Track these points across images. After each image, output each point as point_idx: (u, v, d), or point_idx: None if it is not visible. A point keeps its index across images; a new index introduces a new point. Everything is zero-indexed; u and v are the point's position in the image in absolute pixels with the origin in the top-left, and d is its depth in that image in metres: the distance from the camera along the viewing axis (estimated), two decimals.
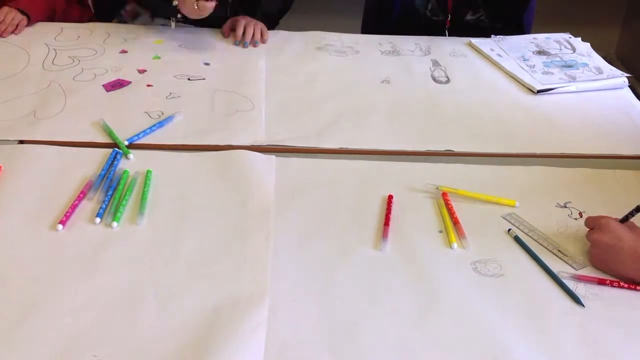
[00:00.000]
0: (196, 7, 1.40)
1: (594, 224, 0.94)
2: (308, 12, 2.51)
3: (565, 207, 1.06)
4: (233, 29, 1.58)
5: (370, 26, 1.85)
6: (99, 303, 0.83)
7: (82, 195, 1.01)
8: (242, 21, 1.56)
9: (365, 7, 1.89)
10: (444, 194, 1.05)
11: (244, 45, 1.53)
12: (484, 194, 1.06)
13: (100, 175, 1.05)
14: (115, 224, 0.96)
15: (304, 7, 2.62)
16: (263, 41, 1.57)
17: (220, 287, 0.86)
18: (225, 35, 1.58)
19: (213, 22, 1.58)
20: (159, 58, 1.47)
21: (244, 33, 1.54)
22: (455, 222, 1.00)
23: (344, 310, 0.84)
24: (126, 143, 1.14)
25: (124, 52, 1.49)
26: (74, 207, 0.98)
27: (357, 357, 0.78)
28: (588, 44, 1.64)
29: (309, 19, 1.90)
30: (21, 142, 1.14)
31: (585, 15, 2.63)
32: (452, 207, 1.03)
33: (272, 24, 1.67)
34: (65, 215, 0.96)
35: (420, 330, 0.82)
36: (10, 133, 1.16)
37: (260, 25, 1.57)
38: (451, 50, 1.61)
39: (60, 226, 0.94)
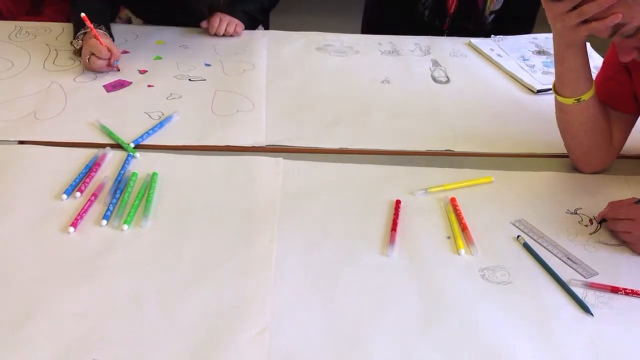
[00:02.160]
0: None
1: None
2: (308, 12, 2.52)
3: (576, 213, 1.05)
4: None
5: (370, 26, 1.85)
6: (100, 306, 0.83)
7: (93, 198, 1.00)
8: (218, 15, 1.59)
9: (365, 6, 1.90)
10: (452, 199, 1.04)
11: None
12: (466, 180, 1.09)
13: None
14: (125, 226, 0.95)
15: (304, 7, 2.63)
16: (235, 33, 1.60)
17: (223, 292, 0.86)
18: (202, 26, 1.61)
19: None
20: (160, 58, 1.48)
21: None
22: (464, 228, 0.99)
23: (349, 316, 0.83)
24: (132, 145, 1.14)
25: (125, 52, 1.49)
26: (85, 209, 0.98)
27: None
28: (588, 44, 1.63)
29: (309, 19, 1.91)
30: (21, 142, 1.14)
31: None
32: (460, 212, 1.02)
33: (253, 23, 1.70)
34: (76, 217, 0.96)
35: (427, 337, 0.81)
36: (10, 133, 1.16)
37: (235, 22, 1.61)
38: (451, 50, 1.61)
39: (72, 229, 0.94)
